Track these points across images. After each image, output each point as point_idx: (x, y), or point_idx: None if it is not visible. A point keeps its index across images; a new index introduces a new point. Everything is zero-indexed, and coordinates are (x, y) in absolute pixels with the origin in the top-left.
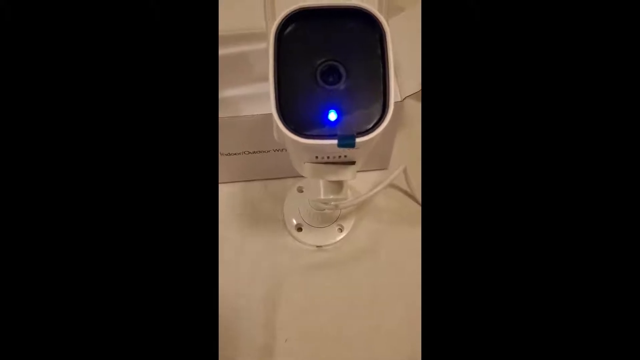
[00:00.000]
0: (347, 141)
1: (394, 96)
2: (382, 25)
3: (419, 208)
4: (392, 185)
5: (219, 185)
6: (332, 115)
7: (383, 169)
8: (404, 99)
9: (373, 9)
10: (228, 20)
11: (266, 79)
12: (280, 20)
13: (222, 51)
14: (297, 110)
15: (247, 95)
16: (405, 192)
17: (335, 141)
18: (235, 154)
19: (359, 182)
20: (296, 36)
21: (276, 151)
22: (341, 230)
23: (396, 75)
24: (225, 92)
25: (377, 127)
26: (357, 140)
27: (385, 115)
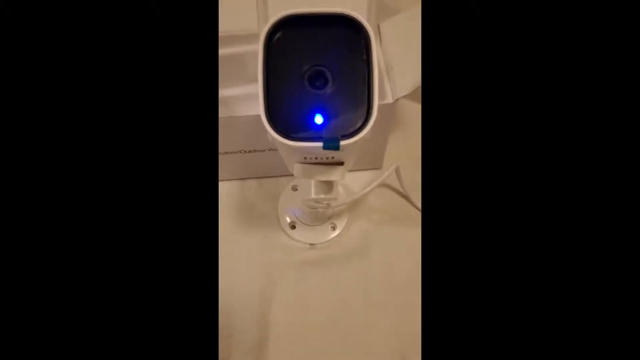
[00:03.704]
0: (331, 143)
1: (378, 100)
2: (367, 32)
3: (411, 208)
4: (384, 185)
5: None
6: (319, 119)
7: (376, 169)
8: (396, 100)
9: (359, 15)
10: (224, 21)
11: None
12: (269, 27)
13: (219, 51)
14: (285, 113)
15: (243, 95)
16: (398, 192)
17: (320, 144)
18: (231, 152)
19: (352, 181)
20: (285, 42)
21: (271, 150)
22: (334, 228)
23: (389, 77)
24: (222, 92)
25: (360, 131)
26: (342, 143)
27: (369, 119)
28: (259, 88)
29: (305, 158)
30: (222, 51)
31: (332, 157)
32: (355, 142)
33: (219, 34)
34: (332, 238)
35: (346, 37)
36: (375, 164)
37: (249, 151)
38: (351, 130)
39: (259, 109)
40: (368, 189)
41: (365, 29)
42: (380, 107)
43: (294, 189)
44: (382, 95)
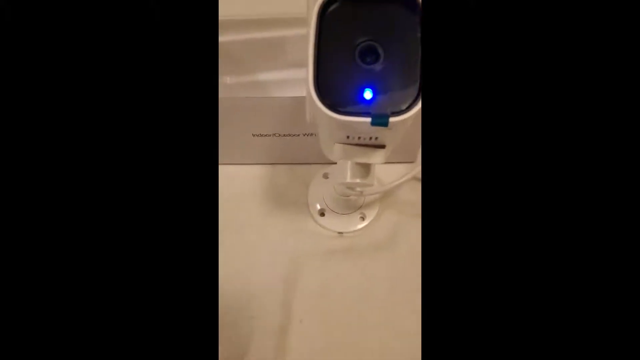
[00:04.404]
0: (380, 120)
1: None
2: (422, 9)
3: None
4: (417, 179)
5: (247, 166)
6: (368, 94)
7: (411, 162)
8: None
9: None
10: (265, 4)
11: (300, 65)
12: (323, 0)
13: (258, 35)
14: (334, 86)
15: (281, 79)
16: None
17: (368, 119)
18: (264, 135)
19: (385, 173)
20: (338, 15)
21: (305, 135)
22: (363, 218)
23: None
24: (260, 76)
25: (411, 108)
26: (391, 120)
27: (420, 98)
28: (309, 60)
29: (347, 137)
30: (261, 34)
31: (376, 138)
32: (404, 120)
33: (259, 17)
34: (361, 228)
35: (401, 15)
36: (409, 157)
37: (283, 135)
38: (401, 107)
39: (308, 81)
40: (402, 179)
41: (421, 7)
42: None
43: (325, 176)
44: None
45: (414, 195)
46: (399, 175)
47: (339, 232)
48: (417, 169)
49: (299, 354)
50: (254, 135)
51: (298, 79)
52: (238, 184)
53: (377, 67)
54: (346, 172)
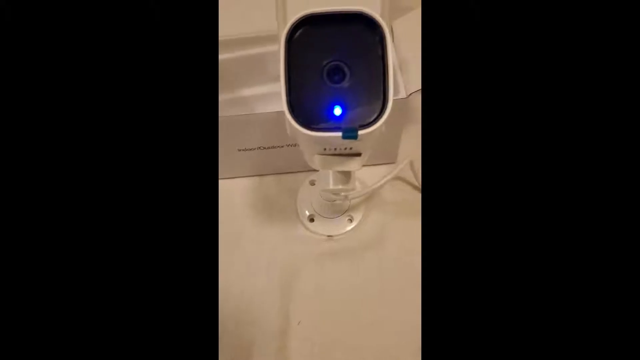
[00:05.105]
0: (350, 133)
1: (393, 93)
2: (382, 29)
3: None
4: (399, 178)
5: (236, 179)
6: (337, 110)
7: (391, 163)
8: (409, 95)
9: (374, 13)
10: (245, 23)
11: (280, 79)
12: (290, 26)
13: (239, 53)
14: (306, 106)
15: (262, 94)
16: (412, 185)
17: (339, 133)
18: (250, 149)
19: (368, 175)
20: (304, 39)
21: (289, 146)
22: (351, 220)
23: (402, 72)
24: (243, 92)
25: (377, 121)
26: (360, 132)
27: (385, 110)
28: (281, 83)
29: (324, 149)
30: (242, 52)
31: (350, 148)
32: (372, 131)
33: (240, 36)
34: (349, 230)
35: (362, 34)
36: (390, 158)
37: (268, 147)
38: (368, 120)
39: (282, 102)
40: (383, 181)
41: (381, 26)
42: (394, 101)
43: (312, 183)
44: (395, 90)
45: (396, 194)
46: (380, 176)
47: (329, 236)
48: (397, 168)
49: (299, 354)
50: (239, 150)
51: (279, 93)
52: (228, 196)
53: (344, 85)
54: (329, 179)
